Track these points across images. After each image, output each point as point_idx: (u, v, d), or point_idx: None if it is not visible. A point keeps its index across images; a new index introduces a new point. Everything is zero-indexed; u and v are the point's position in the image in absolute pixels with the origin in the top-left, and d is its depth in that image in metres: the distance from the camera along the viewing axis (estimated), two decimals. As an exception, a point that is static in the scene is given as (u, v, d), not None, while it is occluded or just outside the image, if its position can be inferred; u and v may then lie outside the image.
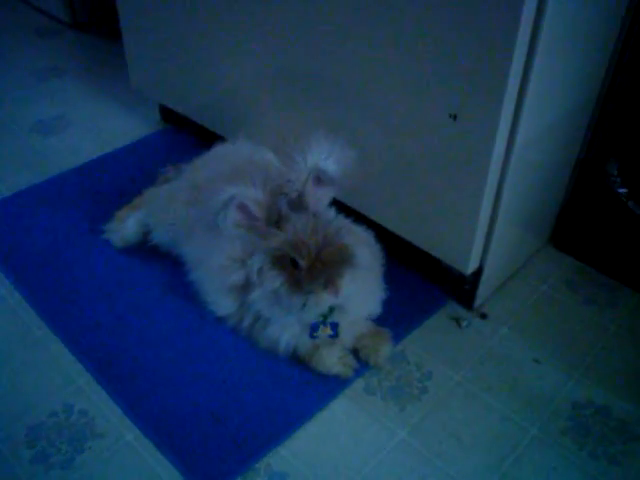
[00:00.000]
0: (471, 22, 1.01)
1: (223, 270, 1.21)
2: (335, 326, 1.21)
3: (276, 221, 1.16)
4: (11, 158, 1.83)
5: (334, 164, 1.14)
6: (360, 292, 1.20)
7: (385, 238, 1.30)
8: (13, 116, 2.02)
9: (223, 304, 1.26)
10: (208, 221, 1.18)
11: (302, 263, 1.11)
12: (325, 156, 1.14)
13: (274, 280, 1.14)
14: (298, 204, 1.17)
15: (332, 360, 1.23)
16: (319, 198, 1.18)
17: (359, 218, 1.32)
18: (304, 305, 1.14)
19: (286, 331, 1.22)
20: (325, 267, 1.11)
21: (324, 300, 1.13)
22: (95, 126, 1.98)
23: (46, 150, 1.87)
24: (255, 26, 1.38)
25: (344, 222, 1.24)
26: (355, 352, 1.28)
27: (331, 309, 1.18)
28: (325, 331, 1.21)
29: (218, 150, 1.45)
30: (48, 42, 2.45)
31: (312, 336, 1.21)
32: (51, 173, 1.76)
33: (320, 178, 1.16)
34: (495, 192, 1.18)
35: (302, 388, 1.22)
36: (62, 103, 2.08)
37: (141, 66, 1.83)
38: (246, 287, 1.19)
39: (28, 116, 2.01)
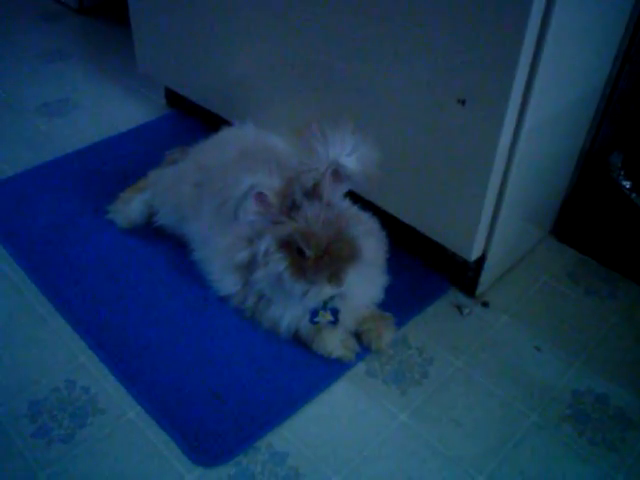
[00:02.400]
0: (482, 7, 1.01)
1: (230, 248, 1.22)
2: (335, 312, 1.21)
3: (289, 208, 1.16)
4: (16, 139, 1.84)
5: (356, 162, 1.13)
6: (362, 281, 1.20)
7: (389, 224, 1.31)
8: (19, 98, 2.02)
9: (227, 282, 1.26)
10: (217, 203, 1.18)
11: (309, 253, 1.12)
12: (348, 152, 1.13)
13: (278, 263, 1.15)
14: (313, 193, 1.17)
15: (334, 343, 1.24)
16: (334, 189, 1.18)
17: (364, 204, 1.33)
18: (305, 293, 1.14)
19: (288, 312, 1.22)
20: (331, 260, 1.12)
21: (326, 291, 1.14)
22: (100, 109, 1.98)
23: (51, 132, 1.87)
24: (266, 11, 1.38)
25: (353, 210, 1.25)
26: (357, 336, 1.28)
27: (332, 296, 1.19)
28: (325, 317, 1.22)
29: (225, 133, 1.46)
30: (54, 26, 2.44)
31: (312, 321, 1.21)
32: (55, 154, 1.76)
33: (339, 172, 1.15)
34: (500, 180, 1.19)
35: (304, 369, 1.22)
36: (67, 86, 2.09)
37: (148, 49, 1.83)
38: (251, 266, 1.20)
39: (33, 98, 2.01)
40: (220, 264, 1.27)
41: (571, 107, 1.26)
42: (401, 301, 1.35)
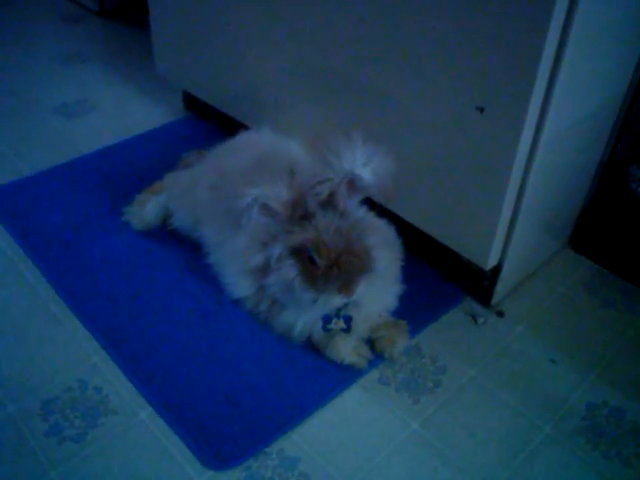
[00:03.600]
0: (502, 14, 1.00)
1: (244, 252, 1.22)
2: (348, 320, 1.21)
3: (302, 216, 1.15)
4: (34, 139, 1.85)
5: (371, 173, 1.13)
6: (376, 290, 1.20)
7: (404, 231, 1.30)
8: (38, 98, 2.03)
9: (241, 285, 1.26)
10: (231, 207, 1.18)
11: (320, 262, 1.12)
12: (363, 163, 1.12)
13: (289, 270, 1.14)
14: (328, 203, 1.16)
15: (347, 350, 1.23)
16: (350, 199, 1.17)
17: (381, 212, 1.32)
18: (315, 301, 1.14)
19: (300, 318, 1.22)
20: (342, 271, 1.11)
21: (335, 301, 1.14)
22: (118, 112, 1.99)
23: (69, 133, 1.88)
24: (284, 18, 1.39)
25: (368, 218, 1.24)
26: (371, 343, 1.28)
27: (345, 304, 1.18)
28: (338, 324, 1.21)
29: (242, 138, 1.46)
30: (74, 29, 2.47)
31: (324, 329, 1.21)
32: (73, 155, 1.78)
33: (354, 182, 1.15)
34: (518, 189, 1.18)
35: (316, 375, 1.22)
36: (86, 88, 2.10)
37: (167, 52, 1.84)
38: (265, 270, 1.19)
39: (52, 99, 2.03)
40: (234, 267, 1.27)
41: (591, 116, 1.25)
42: (415, 309, 1.34)
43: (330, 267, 1.11)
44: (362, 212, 1.22)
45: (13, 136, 1.86)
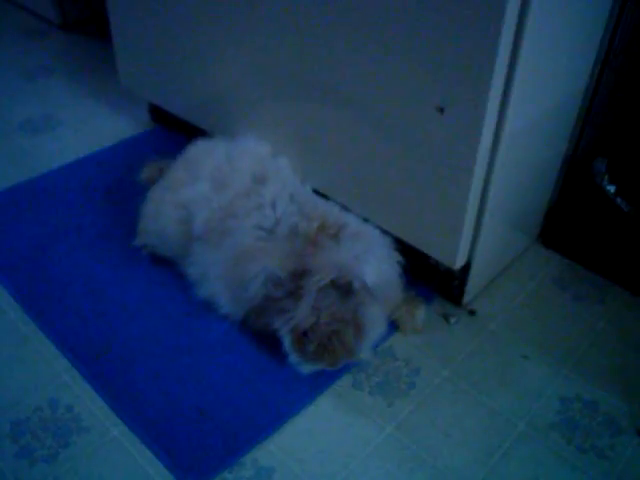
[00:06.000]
0: (457, 13, 1.01)
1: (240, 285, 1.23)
2: None
3: (299, 274, 1.17)
4: (-1, 156, 1.83)
5: (375, 276, 1.17)
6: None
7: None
8: (1, 115, 2.00)
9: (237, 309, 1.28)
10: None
11: (311, 342, 1.15)
12: (369, 269, 1.16)
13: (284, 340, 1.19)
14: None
15: None
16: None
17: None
18: (300, 364, 1.20)
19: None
20: (330, 353, 1.16)
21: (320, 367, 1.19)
22: (84, 125, 1.97)
23: (34, 149, 1.86)
24: (244, 26, 1.38)
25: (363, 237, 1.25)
26: (393, 323, 1.32)
27: None
28: None
29: (193, 151, 1.44)
30: (37, 43, 2.44)
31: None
32: (39, 171, 1.75)
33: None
34: (482, 187, 1.18)
35: (290, 383, 1.21)
36: (51, 103, 2.08)
37: (130, 65, 1.83)
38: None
39: (16, 115, 2.00)
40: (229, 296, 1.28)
41: (552, 113, 1.26)
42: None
43: (320, 346, 1.15)
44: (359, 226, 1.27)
45: (-23, 154, 1.83)
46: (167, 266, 1.39)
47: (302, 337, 1.16)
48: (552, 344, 1.31)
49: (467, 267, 1.31)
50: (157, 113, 1.94)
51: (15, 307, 1.36)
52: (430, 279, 1.40)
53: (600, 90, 1.34)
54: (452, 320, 1.35)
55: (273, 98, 1.43)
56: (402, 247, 1.34)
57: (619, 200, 1.42)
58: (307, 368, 1.19)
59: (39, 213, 1.59)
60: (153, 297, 1.37)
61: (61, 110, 2.04)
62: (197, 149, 1.44)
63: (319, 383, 1.21)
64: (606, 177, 1.44)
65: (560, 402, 1.21)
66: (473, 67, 1.03)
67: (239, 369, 1.23)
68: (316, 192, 1.40)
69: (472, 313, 1.37)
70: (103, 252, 1.47)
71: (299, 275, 1.17)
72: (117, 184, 1.65)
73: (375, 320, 1.21)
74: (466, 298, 1.37)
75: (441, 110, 1.10)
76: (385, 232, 1.29)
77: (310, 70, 1.30)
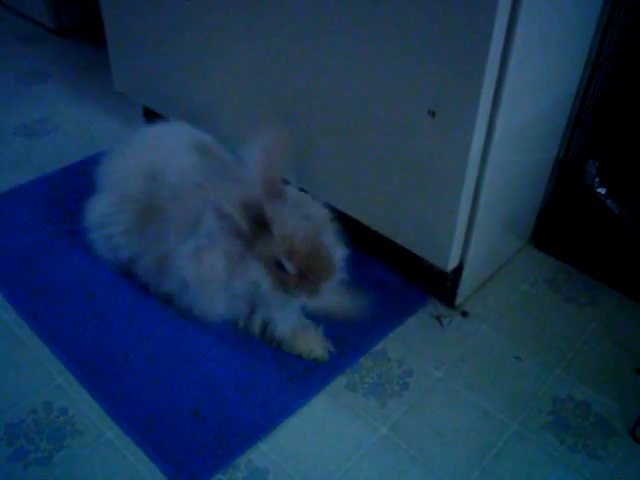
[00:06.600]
0: (448, 18, 1.02)
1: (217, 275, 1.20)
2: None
3: (259, 220, 1.15)
4: (-6, 160, 1.83)
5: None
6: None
7: (364, 236, 1.31)
8: (-3, 120, 2.01)
9: (219, 307, 1.26)
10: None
11: (291, 270, 1.13)
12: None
13: (261, 278, 1.16)
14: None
15: (315, 343, 1.26)
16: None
17: (339, 215, 1.33)
18: (284, 303, 1.18)
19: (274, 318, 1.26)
20: (311, 277, 1.14)
21: (303, 302, 1.18)
22: (79, 129, 1.98)
23: (30, 152, 1.86)
24: (239, 31, 1.39)
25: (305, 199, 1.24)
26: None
27: None
28: None
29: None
30: (32, 48, 2.45)
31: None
32: (34, 175, 1.76)
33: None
34: (474, 189, 1.19)
35: (283, 385, 1.21)
36: (47, 107, 2.08)
37: (125, 69, 1.84)
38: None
39: (12, 119, 2.01)
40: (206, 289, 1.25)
41: (543, 115, 1.27)
42: (380, 313, 1.34)
43: (300, 273, 1.13)
44: (296, 193, 1.24)
45: (-27, 158, 1.84)
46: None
47: (278, 269, 1.14)
48: (545, 345, 1.32)
49: (459, 269, 1.31)
50: (152, 117, 1.95)
51: (9, 310, 1.36)
52: (423, 281, 1.41)
53: (591, 93, 1.35)
54: (445, 322, 1.36)
55: (267, 104, 1.44)
56: (396, 249, 1.35)
57: (610, 202, 1.43)
58: (291, 303, 1.19)
59: (34, 217, 1.60)
60: (148, 301, 1.37)
61: (57, 114, 2.05)
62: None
63: (313, 384, 1.22)
64: (597, 179, 1.45)
65: (553, 402, 1.22)
66: (464, 71, 1.04)
67: (233, 371, 1.24)
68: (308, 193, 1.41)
69: (465, 314, 1.38)
70: (96, 256, 1.48)
71: (254, 213, 1.14)
72: (112, 188, 1.65)
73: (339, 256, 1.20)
74: (459, 300, 1.38)
75: (432, 114, 1.11)
76: (379, 235, 1.30)
77: (302, 75, 1.30)
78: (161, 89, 1.76)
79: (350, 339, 1.30)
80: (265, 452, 1.12)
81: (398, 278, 1.44)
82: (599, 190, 1.45)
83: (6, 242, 1.52)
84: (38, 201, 1.66)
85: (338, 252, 1.19)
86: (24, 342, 1.30)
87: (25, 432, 1.14)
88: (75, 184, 1.72)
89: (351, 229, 1.26)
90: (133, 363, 1.25)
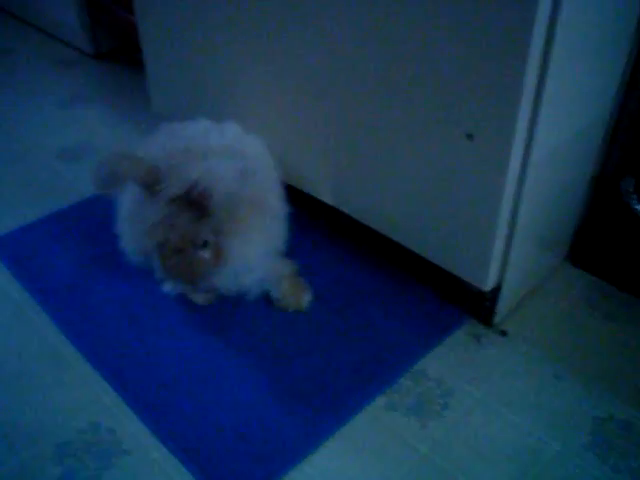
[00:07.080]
0: (484, 41, 1.03)
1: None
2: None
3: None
4: (37, 185, 1.88)
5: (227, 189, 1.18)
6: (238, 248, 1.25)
7: (403, 256, 1.32)
8: (38, 144, 2.06)
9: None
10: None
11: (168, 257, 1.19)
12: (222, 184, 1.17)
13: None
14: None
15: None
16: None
17: (378, 237, 1.35)
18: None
19: None
20: (187, 269, 1.19)
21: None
22: (118, 152, 2.02)
23: (71, 177, 1.91)
24: (281, 51, 1.42)
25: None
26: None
27: None
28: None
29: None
30: (71, 72, 2.51)
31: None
32: (75, 199, 1.80)
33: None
34: (511, 210, 1.20)
35: (323, 405, 1.23)
36: (86, 131, 2.14)
37: (162, 91, 1.88)
38: None
39: (53, 144, 2.06)
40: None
41: (579, 134, 1.27)
42: (419, 333, 1.36)
43: (177, 263, 1.18)
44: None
45: (16, 182, 1.89)
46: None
47: (159, 249, 1.18)
48: (584, 364, 1.32)
49: (498, 288, 1.32)
50: (189, 139, 1.98)
51: (56, 332, 1.40)
52: (461, 301, 1.42)
53: (626, 110, 1.35)
54: (483, 341, 1.36)
55: (304, 120, 1.46)
56: (433, 269, 1.36)
57: (648, 219, 1.42)
58: (168, 284, 1.25)
59: (78, 240, 1.64)
60: (193, 320, 1.40)
61: (96, 137, 2.10)
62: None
63: (352, 405, 1.23)
64: (634, 196, 1.45)
65: (593, 422, 1.21)
66: (501, 93, 1.05)
67: (275, 393, 1.25)
68: (349, 216, 1.43)
69: (504, 334, 1.38)
70: (139, 276, 1.51)
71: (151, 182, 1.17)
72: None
73: (243, 255, 1.24)
74: (497, 319, 1.39)
75: (470, 137, 1.12)
76: (417, 255, 1.30)
77: (342, 101, 1.32)
78: (198, 111, 1.79)
79: (389, 359, 1.31)
80: (307, 472, 1.14)
81: (435, 298, 1.45)
82: (636, 207, 1.44)
83: (51, 265, 1.56)
84: (80, 225, 1.70)
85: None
86: (70, 363, 1.33)
87: (74, 452, 1.17)
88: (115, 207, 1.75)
89: (391, 251, 1.28)
90: (178, 384, 1.27)
